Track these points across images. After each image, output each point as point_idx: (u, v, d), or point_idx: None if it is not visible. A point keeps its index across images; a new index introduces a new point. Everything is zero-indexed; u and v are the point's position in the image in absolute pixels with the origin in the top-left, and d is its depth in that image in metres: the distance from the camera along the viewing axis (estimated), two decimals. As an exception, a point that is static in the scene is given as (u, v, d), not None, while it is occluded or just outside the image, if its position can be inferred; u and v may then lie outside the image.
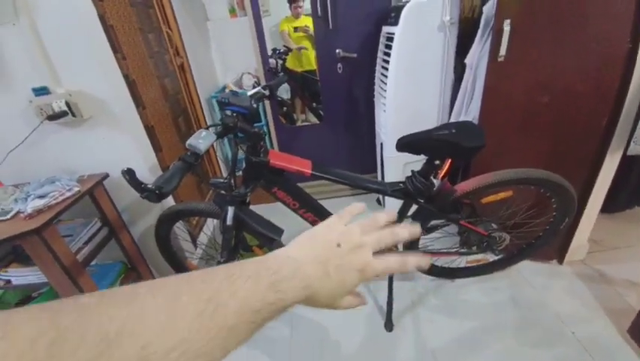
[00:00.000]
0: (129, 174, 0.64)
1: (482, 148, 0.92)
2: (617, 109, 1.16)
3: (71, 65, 1.15)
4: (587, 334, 1.23)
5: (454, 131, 0.94)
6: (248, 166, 1.00)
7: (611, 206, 1.65)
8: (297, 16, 2.56)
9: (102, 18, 1.19)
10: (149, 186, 0.62)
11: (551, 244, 1.39)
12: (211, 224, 1.93)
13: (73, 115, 1.16)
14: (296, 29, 2.61)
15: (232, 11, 2.32)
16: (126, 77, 1.29)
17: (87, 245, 1.18)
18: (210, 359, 0.22)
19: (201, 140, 0.74)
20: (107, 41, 1.21)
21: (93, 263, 1.24)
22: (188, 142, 0.73)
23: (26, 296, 1.30)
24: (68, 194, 1.08)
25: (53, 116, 1.14)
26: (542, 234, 1.34)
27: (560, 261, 1.55)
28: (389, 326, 1.34)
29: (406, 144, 0.99)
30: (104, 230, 1.26)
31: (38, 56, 1.10)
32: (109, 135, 1.26)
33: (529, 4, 1.09)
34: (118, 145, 1.28)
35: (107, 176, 1.24)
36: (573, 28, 1.08)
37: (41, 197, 1.06)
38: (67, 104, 1.15)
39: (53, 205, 1.04)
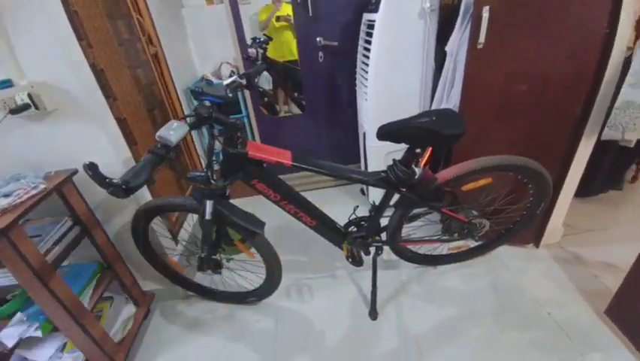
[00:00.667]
0: (91, 169, 0.60)
1: (462, 135, 0.92)
2: (593, 94, 1.18)
3: (34, 55, 1.08)
4: (565, 316, 1.28)
5: (434, 118, 0.94)
6: (225, 158, 0.97)
7: (585, 190, 1.71)
8: (277, 3, 2.48)
9: (65, 3, 1.11)
10: (115, 180, 0.59)
11: (528, 229, 1.43)
12: (191, 220, 1.89)
13: (37, 108, 1.09)
14: (278, 18, 2.53)
15: (208, -2, 2.23)
16: (93, 66, 1.21)
17: (57, 245, 1.12)
18: None
19: (172, 131, 0.71)
20: (71, 28, 1.13)
21: (66, 264, 1.18)
22: (158, 133, 0.69)
23: (1, 299, 1.23)
24: (34, 192, 1.02)
25: (15, 110, 1.07)
26: (520, 219, 1.38)
27: (537, 245, 1.59)
28: (373, 314, 1.35)
29: (387, 133, 0.98)
30: (75, 229, 1.20)
31: (2, 47, 1.02)
32: (77, 128, 1.19)
33: (507, -9, 1.09)
34: (88, 139, 1.21)
35: (76, 172, 1.18)
36: (551, 15, 1.08)
37: (6, 196, 1.00)
38: (30, 96, 1.08)
39: (18, 204, 0.97)
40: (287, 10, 2.48)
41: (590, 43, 1.10)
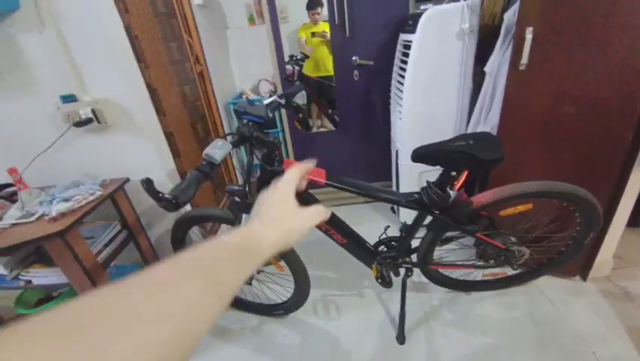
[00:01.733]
0: (147, 184, 0.66)
1: (500, 161, 0.90)
2: (645, 122, 1.10)
3: (97, 74, 1.20)
4: (610, 355, 1.17)
5: (471, 142, 0.92)
6: (262, 175, 1.01)
7: (636, 220, 1.57)
8: (314, 22, 2.58)
9: (128, 29, 1.24)
10: (166, 195, 0.64)
11: (574, 260, 1.33)
12: (225, 229, 1.96)
13: (98, 122, 1.21)
14: (313, 35, 2.63)
15: (251, 19, 2.37)
16: (149, 85, 1.33)
17: (107, 247, 1.22)
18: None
19: (217, 149, 0.76)
20: (132, 51, 1.26)
21: (112, 265, 1.28)
22: (204, 152, 0.74)
23: (46, 295, 1.35)
24: (91, 198, 1.12)
25: (80, 123, 1.19)
26: (565, 249, 1.29)
27: (584, 277, 1.48)
28: (401, 338, 1.32)
29: (422, 155, 0.98)
30: (123, 233, 1.31)
31: (65, 64, 1.16)
32: (130, 141, 1.30)
33: (552, 12, 1.06)
34: (138, 151, 1.32)
35: (127, 180, 1.28)
36: (599, 36, 1.03)
37: (66, 200, 1.11)
38: (93, 111, 1.20)
39: (77, 209, 1.08)
40: (323, 27, 2.56)
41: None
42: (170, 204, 0.64)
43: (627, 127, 1.12)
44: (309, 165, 0.47)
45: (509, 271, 1.42)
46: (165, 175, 1.39)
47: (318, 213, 0.41)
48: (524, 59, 1.14)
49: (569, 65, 1.10)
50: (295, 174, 0.43)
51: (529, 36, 1.10)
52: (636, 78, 1.05)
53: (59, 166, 1.32)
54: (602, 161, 1.20)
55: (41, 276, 1.15)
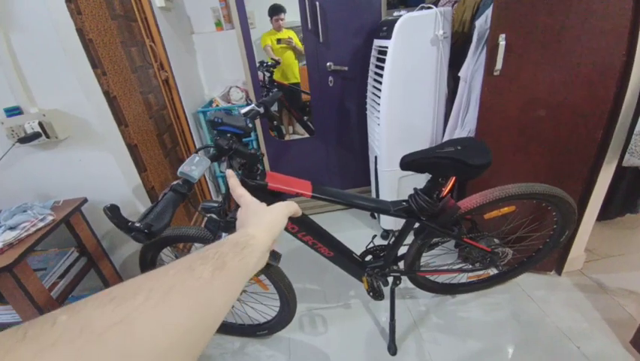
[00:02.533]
0: (112, 212, 0.56)
1: (489, 166, 0.89)
2: (612, 121, 1.16)
3: (47, 83, 1.07)
4: (593, 349, 1.21)
5: (459, 148, 0.91)
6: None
7: (603, 214, 1.67)
8: (278, 28, 2.53)
9: (80, 32, 1.11)
10: (137, 225, 0.54)
11: (550, 256, 1.38)
12: (200, 247, 1.83)
13: (47, 136, 1.06)
14: (279, 41, 2.58)
15: (218, 24, 2.27)
16: (107, 93, 1.20)
17: (63, 278, 1.07)
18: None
19: (194, 166, 0.67)
20: (86, 56, 1.13)
21: (70, 296, 1.13)
22: (180, 170, 0.65)
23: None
24: (41, 224, 0.98)
25: (24, 139, 1.05)
26: (543, 246, 1.33)
27: (559, 272, 1.54)
28: (392, 349, 1.28)
29: (411, 163, 0.95)
30: (82, 260, 1.16)
31: (11, 73, 1.01)
32: (88, 156, 1.17)
33: (525, 19, 1.09)
34: (98, 166, 1.19)
35: (85, 201, 1.14)
36: (569, 41, 1.08)
37: (12, 228, 0.96)
38: (41, 124, 1.05)
39: (25, 238, 0.93)
40: (287, 33, 2.52)
41: (609, 69, 1.09)
42: (143, 234, 0.54)
43: (596, 127, 1.17)
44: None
45: (492, 272, 1.44)
46: (130, 192, 1.26)
47: (287, 205, 0.49)
48: (498, 64, 1.16)
49: (541, 70, 1.14)
50: (236, 185, 0.52)
51: (502, 42, 1.13)
52: (603, 81, 1.10)
53: (7, 187, 1.16)
54: (574, 161, 1.25)
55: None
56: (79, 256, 1.16)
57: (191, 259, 0.30)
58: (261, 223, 0.42)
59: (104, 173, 1.20)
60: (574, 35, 1.07)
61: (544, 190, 1.07)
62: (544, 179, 1.14)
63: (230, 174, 0.51)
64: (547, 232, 1.27)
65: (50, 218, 1.01)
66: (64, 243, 1.17)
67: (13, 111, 1.07)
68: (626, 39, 1.04)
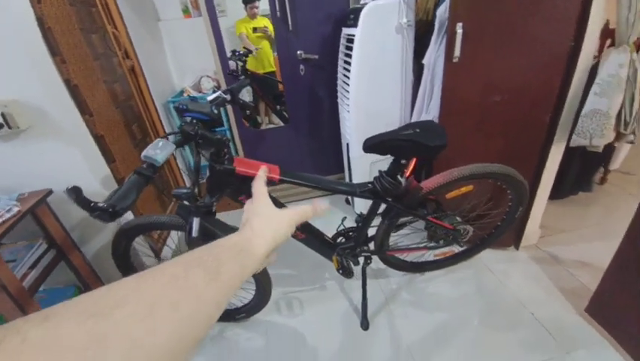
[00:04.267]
0: (75, 193, 0.57)
1: (444, 147, 0.96)
2: (561, 103, 1.26)
3: (6, 73, 1.03)
4: (547, 315, 1.32)
5: (417, 130, 0.96)
6: (212, 175, 0.95)
7: (557, 193, 1.80)
8: (252, 16, 2.51)
9: (39, 20, 1.07)
10: (101, 204, 0.56)
11: (508, 232, 1.48)
12: (175, 237, 1.83)
13: (9, 127, 1.03)
14: (255, 30, 2.55)
15: (186, 11, 2.21)
16: (67, 81, 1.17)
17: (33, 269, 1.06)
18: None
19: (159, 150, 0.69)
20: (44, 44, 1.09)
21: (42, 289, 1.12)
22: (143, 153, 0.67)
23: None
24: (7, 215, 0.96)
25: (-16, 130, 1.01)
26: (500, 223, 1.43)
27: (517, 247, 1.66)
28: (365, 324, 1.35)
29: (373, 146, 1.00)
30: (51, 252, 1.14)
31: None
32: (52, 147, 1.14)
33: (479, 8, 1.15)
34: (63, 157, 1.16)
35: (50, 192, 1.12)
36: (520, 29, 1.15)
37: (-26, 221, 0.93)
38: (3, 115, 1.02)
39: (-11, 229, 0.91)
40: (263, 21, 2.50)
41: (557, 56, 1.18)
42: (106, 213, 0.56)
43: (545, 111, 1.27)
44: (265, 170, 0.52)
45: (456, 249, 1.54)
46: (99, 183, 1.24)
47: (298, 212, 0.44)
48: (457, 52, 1.22)
49: (496, 57, 1.21)
50: (261, 182, 0.48)
51: (459, 31, 1.18)
52: (551, 66, 1.19)
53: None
54: (526, 142, 1.35)
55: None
56: (48, 248, 1.14)
57: (187, 262, 0.29)
58: (264, 229, 0.39)
59: (70, 164, 1.18)
60: (526, 23, 1.14)
61: (498, 170, 1.15)
62: (500, 160, 1.22)
63: (260, 174, 0.49)
64: (503, 209, 1.37)
65: (16, 209, 0.99)
66: (33, 235, 1.15)
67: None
68: (574, 27, 1.12)
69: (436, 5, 1.46)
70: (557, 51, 1.17)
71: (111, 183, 1.31)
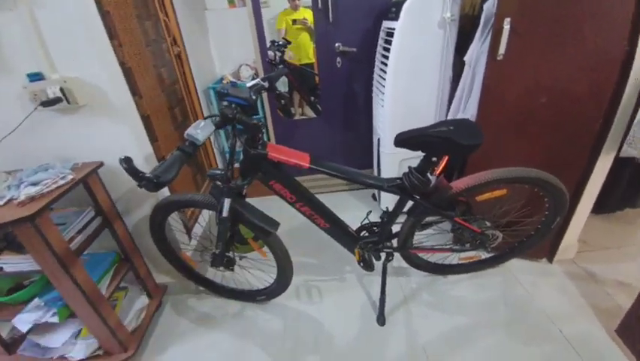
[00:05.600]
0: (127, 163, 0.63)
1: (479, 146, 0.93)
2: (612, 111, 1.17)
3: (67, 51, 1.13)
4: (576, 333, 1.26)
5: (451, 128, 0.95)
6: (245, 158, 0.99)
7: (601, 207, 1.68)
8: (295, 8, 2.54)
9: (98, 3, 1.17)
10: (147, 175, 0.62)
11: (542, 243, 1.41)
12: (206, 215, 1.93)
13: (68, 102, 1.14)
14: (294, 22, 2.59)
15: (231, 1, 2.29)
16: (122, 64, 1.26)
17: (80, 234, 1.17)
18: None
19: (200, 130, 0.74)
20: (104, 27, 1.18)
21: (86, 253, 1.23)
22: (186, 132, 0.72)
23: (18, 284, 1.28)
24: (62, 182, 1.06)
25: (47, 102, 1.12)
26: (534, 232, 1.37)
27: (550, 260, 1.57)
28: (381, 320, 1.36)
29: (404, 141, 1.00)
30: (97, 219, 1.25)
31: (35, 41, 1.08)
32: (104, 123, 1.24)
33: (530, 4, 1.09)
34: (113, 134, 1.26)
35: (101, 165, 1.23)
36: (572, 29, 1.08)
37: (34, 184, 1.04)
38: (62, 90, 1.13)
39: (46, 193, 1.02)
40: (304, 13, 2.53)
41: (611, 60, 1.10)
42: (152, 183, 0.62)
43: (595, 117, 1.19)
44: None
45: (483, 255, 1.49)
46: (143, 160, 1.34)
47: None
48: (502, 49, 1.17)
49: (544, 56, 1.15)
50: None
51: (506, 27, 1.13)
52: (605, 70, 1.11)
53: (29, 149, 1.24)
54: (571, 149, 1.27)
55: (12, 263, 1.08)
56: (95, 216, 1.25)
57: None
58: None
59: (119, 140, 1.28)
60: (579, 23, 1.07)
61: (536, 175, 1.10)
62: (540, 165, 1.16)
63: None
64: (538, 218, 1.30)
65: (70, 177, 1.10)
66: (83, 203, 1.26)
67: (35, 77, 1.14)
68: (629, 31, 1.04)
69: None
70: (611, 54, 1.09)
71: (153, 160, 1.40)
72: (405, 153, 1.03)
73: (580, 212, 1.41)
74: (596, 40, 1.07)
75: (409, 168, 1.07)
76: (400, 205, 1.18)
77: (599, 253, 1.62)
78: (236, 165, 1.08)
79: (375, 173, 2.02)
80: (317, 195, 1.21)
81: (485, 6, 1.28)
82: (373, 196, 2.17)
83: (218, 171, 1.00)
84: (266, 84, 1.06)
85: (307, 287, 1.58)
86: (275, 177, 1.06)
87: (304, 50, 2.69)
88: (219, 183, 1.04)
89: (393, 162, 1.73)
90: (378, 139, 1.80)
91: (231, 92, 0.89)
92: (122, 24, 1.33)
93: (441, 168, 1.04)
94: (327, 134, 2.17)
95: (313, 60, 2.69)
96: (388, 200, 1.86)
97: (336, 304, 1.49)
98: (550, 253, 1.56)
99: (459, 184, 1.12)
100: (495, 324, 1.33)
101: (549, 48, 1.13)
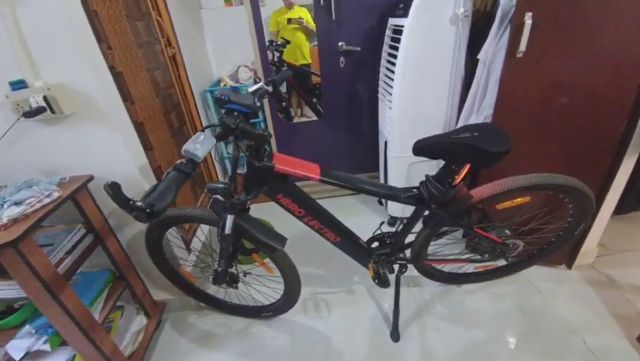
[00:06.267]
0: (113, 189, 0.54)
1: (508, 153, 0.85)
2: (636, 112, 1.10)
3: (51, 56, 1.03)
4: (599, 344, 1.19)
5: (476, 134, 0.86)
6: (250, 171, 0.90)
7: (618, 208, 1.61)
8: (289, 7, 2.44)
9: (85, 3, 1.07)
10: (139, 204, 0.53)
11: (563, 249, 1.34)
12: (205, 228, 1.83)
13: (52, 111, 1.04)
14: (289, 21, 2.49)
15: (227, 0, 2.19)
16: (112, 68, 1.17)
17: (70, 255, 1.07)
18: None
19: (199, 145, 0.65)
20: (91, 29, 1.09)
21: (78, 271, 1.14)
22: (184, 148, 0.63)
23: (8, 307, 1.19)
24: (47, 200, 0.97)
25: (30, 113, 1.02)
26: (555, 239, 1.29)
27: (569, 265, 1.50)
28: (395, 335, 1.28)
29: (424, 148, 0.91)
30: (88, 237, 1.16)
31: (17, 46, 0.98)
32: (94, 133, 1.14)
33: (554, -3, 1.01)
34: (104, 144, 1.17)
35: (91, 178, 1.13)
36: (596, 25, 1.00)
37: (17, 204, 0.95)
38: (46, 99, 1.03)
39: (30, 214, 0.93)
40: (299, 12, 2.43)
41: (636, 58, 1.02)
42: (144, 213, 0.53)
43: (620, 118, 1.11)
44: None
45: (500, 263, 1.42)
46: (137, 170, 1.24)
47: None
48: (522, 46, 1.09)
49: (567, 53, 1.07)
50: None
51: (528, 22, 1.05)
52: (630, 69, 1.03)
53: (12, 163, 1.14)
54: (594, 152, 1.20)
55: (-1, 289, 1.00)
56: (86, 233, 1.16)
57: None
58: None
59: (110, 150, 1.18)
60: (604, 19, 0.99)
61: (563, 182, 1.02)
62: (562, 169, 1.08)
63: None
64: (561, 224, 1.23)
65: (56, 194, 1.00)
66: (72, 220, 1.17)
67: (18, 84, 1.04)
68: None
69: (498, -6, 1.33)
70: (636, 52, 1.01)
71: (148, 171, 1.31)
72: (414, 156, 0.95)
73: (602, 216, 1.34)
74: (623, 39, 1.00)
75: (427, 176, 0.99)
76: (415, 216, 1.10)
77: (617, 257, 1.55)
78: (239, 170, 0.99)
79: (381, 176, 1.94)
80: (320, 200, 1.12)
81: (502, 0, 1.19)
82: (380, 201, 2.09)
83: (220, 185, 0.91)
84: (270, 88, 0.97)
85: (314, 300, 1.50)
86: (282, 191, 0.97)
87: (300, 51, 2.60)
88: (220, 197, 0.95)
89: (402, 165, 1.65)
90: (385, 142, 1.72)
91: (233, 99, 0.80)
92: (110, 25, 1.23)
93: (462, 176, 0.96)
94: (330, 137, 2.08)
95: (309, 60, 2.60)
96: (396, 206, 1.78)
97: (345, 318, 1.41)
98: (569, 259, 1.49)
99: (480, 193, 1.04)
100: (513, 336, 1.26)
101: (572, 44, 1.06)
